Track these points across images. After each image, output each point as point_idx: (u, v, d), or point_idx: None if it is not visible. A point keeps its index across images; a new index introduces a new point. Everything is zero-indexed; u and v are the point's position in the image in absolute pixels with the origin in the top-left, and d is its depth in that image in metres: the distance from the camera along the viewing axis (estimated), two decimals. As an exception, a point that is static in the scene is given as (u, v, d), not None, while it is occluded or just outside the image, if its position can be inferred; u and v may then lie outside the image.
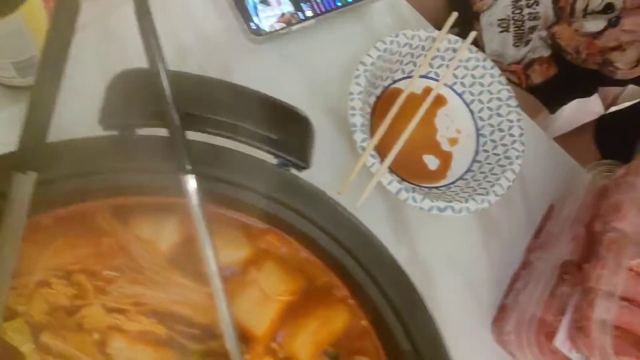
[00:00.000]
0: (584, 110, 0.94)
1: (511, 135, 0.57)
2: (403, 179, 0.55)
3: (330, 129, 0.57)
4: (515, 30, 0.83)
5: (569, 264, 0.50)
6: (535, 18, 0.82)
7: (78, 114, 0.47)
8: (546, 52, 0.82)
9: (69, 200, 0.36)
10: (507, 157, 0.56)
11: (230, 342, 0.35)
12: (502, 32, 0.84)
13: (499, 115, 0.59)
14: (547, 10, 0.80)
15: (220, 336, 0.36)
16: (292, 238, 0.39)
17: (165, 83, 0.34)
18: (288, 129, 0.39)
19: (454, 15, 0.60)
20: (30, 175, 0.33)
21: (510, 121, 0.58)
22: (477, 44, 0.86)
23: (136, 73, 0.37)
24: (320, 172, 0.53)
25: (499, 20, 0.84)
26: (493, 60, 0.86)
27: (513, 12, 0.82)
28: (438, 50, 0.59)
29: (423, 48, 0.58)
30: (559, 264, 0.50)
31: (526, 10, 0.82)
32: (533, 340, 0.46)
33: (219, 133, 0.38)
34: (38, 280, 0.35)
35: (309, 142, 0.39)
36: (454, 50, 0.59)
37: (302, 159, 0.39)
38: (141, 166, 0.36)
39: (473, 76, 0.60)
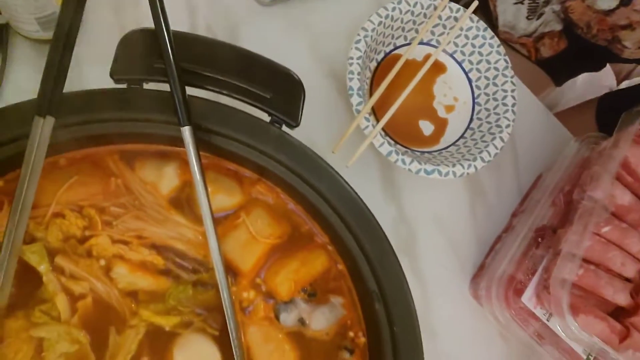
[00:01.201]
0: (594, 83, 0.94)
1: (504, 104, 0.59)
2: (397, 143, 0.58)
3: (331, 91, 0.60)
4: (529, 3, 0.84)
5: (546, 229, 0.53)
6: (551, -7, 0.82)
7: (94, 68, 0.52)
8: (557, 26, 0.83)
9: (82, 143, 0.41)
10: (498, 126, 0.58)
11: (219, 275, 0.40)
12: (516, 3, 0.84)
13: (494, 84, 0.61)
14: (564, -14, 0.81)
15: (210, 269, 0.41)
16: (279, 189, 0.44)
17: (166, 42, 0.38)
18: (281, 90, 0.43)
19: (458, -16, 0.61)
20: (49, 120, 0.38)
21: (505, 91, 0.60)
22: (491, 14, 0.86)
23: (144, 33, 0.41)
24: (319, 132, 0.57)
25: (515, -9, 0.84)
26: (504, 32, 0.87)
27: None
28: (440, 18, 0.61)
29: (425, 16, 0.60)
30: (535, 227, 0.53)
31: (543, -16, 0.82)
32: (501, 295, 0.49)
33: (217, 90, 0.42)
34: (54, 212, 0.40)
35: (299, 102, 0.43)
36: (456, 19, 0.61)
37: (292, 118, 0.42)
38: (146, 117, 0.41)
39: (473, 45, 0.62)
